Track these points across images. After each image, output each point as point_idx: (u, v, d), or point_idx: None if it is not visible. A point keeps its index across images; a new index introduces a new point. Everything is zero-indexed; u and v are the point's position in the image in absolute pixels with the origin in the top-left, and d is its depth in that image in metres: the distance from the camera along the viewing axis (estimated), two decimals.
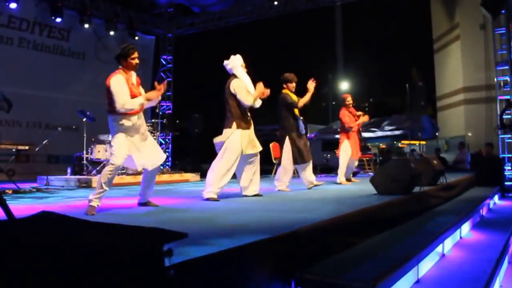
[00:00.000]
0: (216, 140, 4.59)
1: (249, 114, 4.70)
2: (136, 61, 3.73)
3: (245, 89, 4.60)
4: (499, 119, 8.53)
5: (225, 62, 4.73)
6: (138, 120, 3.66)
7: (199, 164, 11.62)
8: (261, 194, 4.79)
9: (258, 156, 4.77)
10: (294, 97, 5.68)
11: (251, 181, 4.71)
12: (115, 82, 3.53)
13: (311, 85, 5.78)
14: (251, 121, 4.72)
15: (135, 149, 3.64)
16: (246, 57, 4.77)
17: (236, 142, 4.49)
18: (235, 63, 4.67)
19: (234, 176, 4.79)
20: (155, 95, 3.78)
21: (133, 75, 3.78)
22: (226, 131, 4.55)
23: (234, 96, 4.56)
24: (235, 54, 4.74)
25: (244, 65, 4.72)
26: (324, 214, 2.98)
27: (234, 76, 4.65)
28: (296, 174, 6.62)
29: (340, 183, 6.75)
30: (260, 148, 4.75)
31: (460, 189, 6.40)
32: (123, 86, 3.53)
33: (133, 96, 3.58)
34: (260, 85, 4.65)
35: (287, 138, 5.55)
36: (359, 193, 4.82)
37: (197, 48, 18.33)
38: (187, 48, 16.05)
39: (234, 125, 4.52)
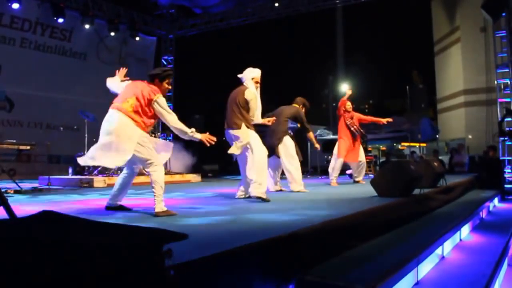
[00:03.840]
0: (234, 151, 4.58)
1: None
2: (168, 86, 3.62)
3: (258, 104, 4.75)
4: (498, 127, 8.54)
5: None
6: None
7: (200, 165, 11.62)
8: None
9: None
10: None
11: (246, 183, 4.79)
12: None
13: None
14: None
15: None
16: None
17: (257, 137, 4.59)
18: (246, 75, 4.80)
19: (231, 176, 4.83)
20: None
21: None
22: (240, 133, 4.55)
23: (247, 102, 4.67)
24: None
25: (257, 79, 4.78)
26: (324, 216, 2.99)
27: (245, 86, 4.76)
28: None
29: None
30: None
31: (460, 191, 6.39)
32: None
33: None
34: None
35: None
36: (359, 195, 4.83)
37: (198, 49, 18.33)
38: (188, 49, 16.06)
39: (244, 126, 4.58)
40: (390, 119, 7.62)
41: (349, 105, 7.37)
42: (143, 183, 7.78)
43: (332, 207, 3.79)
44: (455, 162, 11.94)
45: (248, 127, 4.58)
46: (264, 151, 4.59)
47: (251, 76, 4.77)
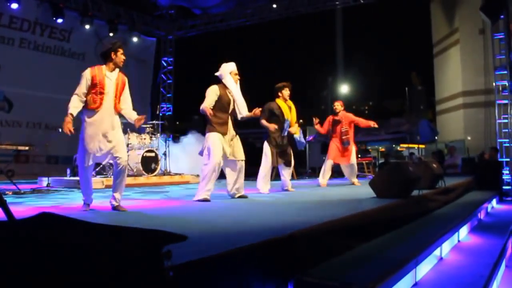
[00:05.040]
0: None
1: (229, 123, 4.71)
2: (123, 57, 3.78)
3: (210, 95, 4.64)
4: None
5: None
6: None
7: (199, 166, 11.58)
8: (247, 195, 4.88)
9: (243, 163, 4.83)
10: (285, 107, 5.78)
11: (235, 183, 4.84)
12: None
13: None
14: (231, 130, 4.72)
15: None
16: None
17: (215, 141, 4.53)
18: (223, 70, 4.76)
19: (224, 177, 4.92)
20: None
21: (114, 73, 3.86)
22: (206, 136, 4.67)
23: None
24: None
25: (235, 72, 4.77)
26: (322, 217, 2.99)
27: (221, 83, 4.74)
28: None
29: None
30: (241, 157, 4.79)
31: (459, 193, 6.41)
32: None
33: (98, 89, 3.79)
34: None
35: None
36: (357, 196, 4.83)
37: (198, 50, 18.38)
38: (188, 50, 16.11)
39: (208, 129, 4.63)
40: (375, 125, 7.25)
41: (337, 105, 7.28)
42: (142, 184, 7.78)
43: (331, 208, 3.80)
44: (447, 164, 11.92)
45: (210, 131, 4.59)
46: (211, 160, 4.53)
47: (228, 70, 4.74)
